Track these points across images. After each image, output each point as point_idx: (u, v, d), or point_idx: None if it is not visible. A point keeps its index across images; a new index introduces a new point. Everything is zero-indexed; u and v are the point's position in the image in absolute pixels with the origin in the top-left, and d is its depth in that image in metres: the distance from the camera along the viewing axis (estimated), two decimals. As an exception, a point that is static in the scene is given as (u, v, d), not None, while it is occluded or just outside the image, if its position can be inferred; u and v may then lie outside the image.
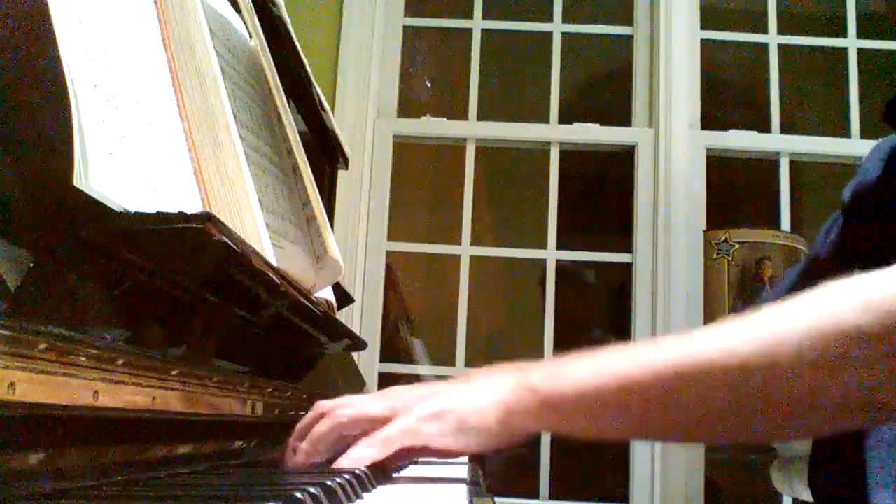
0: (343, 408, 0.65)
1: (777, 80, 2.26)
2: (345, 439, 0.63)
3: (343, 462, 0.60)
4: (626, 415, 0.56)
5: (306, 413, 0.68)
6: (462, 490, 0.60)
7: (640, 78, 2.25)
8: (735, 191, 2.55)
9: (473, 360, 2.18)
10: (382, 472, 0.63)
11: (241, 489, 0.50)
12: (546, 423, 0.59)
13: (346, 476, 0.51)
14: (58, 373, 0.38)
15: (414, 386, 0.66)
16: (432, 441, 0.60)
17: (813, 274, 0.92)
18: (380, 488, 0.58)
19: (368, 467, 0.59)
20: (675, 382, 0.53)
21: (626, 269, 2.17)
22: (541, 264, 2.26)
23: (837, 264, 0.88)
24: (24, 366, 0.35)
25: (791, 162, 2.22)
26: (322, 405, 0.66)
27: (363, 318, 2.11)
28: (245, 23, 0.87)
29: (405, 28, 2.33)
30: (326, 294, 0.99)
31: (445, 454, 0.61)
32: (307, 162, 0.91)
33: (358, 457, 0.60)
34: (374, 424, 0.62)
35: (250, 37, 0.88)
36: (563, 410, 0.58)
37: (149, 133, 0.52)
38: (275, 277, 0.62)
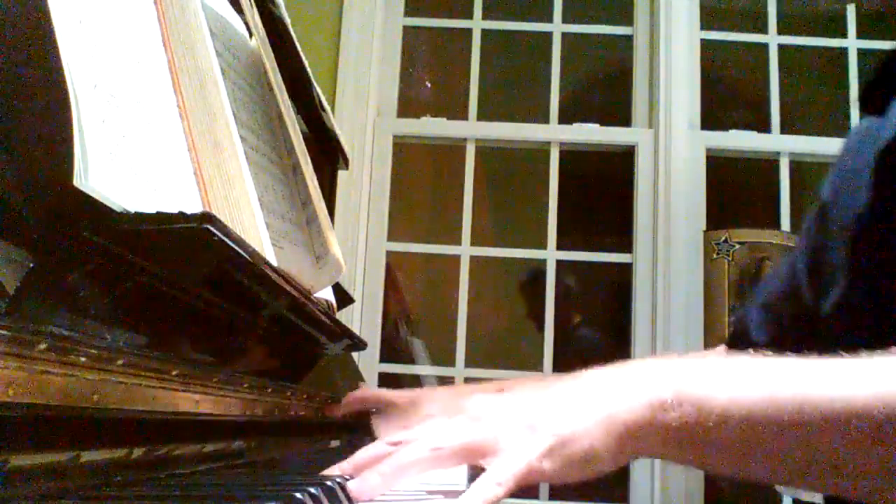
0: (431, 437, 0.54)
1: (777, 80, 2.26)
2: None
3: (470, 499, 0.49)
4: (790, 458, 0.47)
5: (306, 413, 0.68)
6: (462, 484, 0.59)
7: (640, 78, 2.25)
8: (735, 191, 2.55)
9: (473, 361, 2.18)
10: None
11: (241, 489, 0.50)
12: (673, 454, 0.49)
13: (347, 477, 0.51)
14: (58, 373, 0.38)
15: (502, 398, 0.56)
16: (555, 478, 0.52)
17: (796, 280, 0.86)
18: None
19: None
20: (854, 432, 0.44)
21: (626, 269, 2.17)
22: (535, 266, 2.26)
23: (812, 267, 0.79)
24: (24, 366, 0.35)
25: (791, 162, 2.22)
26: (394, 436, 0.55)
27: (363, 318, 2.11)
28: (245, 22, 0.87)
29: (405, 28, 2.33)
30: (326, 294, 0.99)
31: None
32: (309, 161, 0.91)
33: (487, 495, 0.49)
34: (478, 456, 0.53)
35: (250, 36, 0.88)
36: (704, 444, 0.48)
37: (149, 133, 0.52)
38: (275, 277, 0.62)
